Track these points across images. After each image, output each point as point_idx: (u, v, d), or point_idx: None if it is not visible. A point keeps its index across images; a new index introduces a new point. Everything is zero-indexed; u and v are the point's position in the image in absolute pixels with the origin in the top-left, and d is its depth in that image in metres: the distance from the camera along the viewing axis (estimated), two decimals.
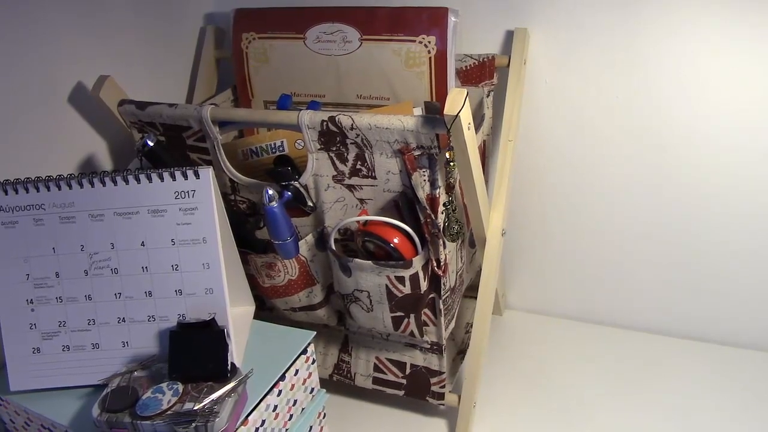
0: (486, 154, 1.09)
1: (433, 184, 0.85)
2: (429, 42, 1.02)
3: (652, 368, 1.19)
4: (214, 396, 0.81)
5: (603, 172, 1.16)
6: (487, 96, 1.06)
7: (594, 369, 1.19)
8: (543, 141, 1.16)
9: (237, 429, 0.82)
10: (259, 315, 1.01)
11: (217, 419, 0.78)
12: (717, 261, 1.17)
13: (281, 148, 1.04)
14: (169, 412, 0.80)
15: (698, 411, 1.10)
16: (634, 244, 1.20)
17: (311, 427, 0.98)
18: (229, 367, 0.84)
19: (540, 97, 1.13)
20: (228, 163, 0.96)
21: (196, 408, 0.79)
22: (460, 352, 1.14)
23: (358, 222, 0.91)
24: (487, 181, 1.13)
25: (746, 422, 1.07)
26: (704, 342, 1.24)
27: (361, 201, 0.91)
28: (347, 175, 0.89)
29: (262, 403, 0.86)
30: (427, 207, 0.85)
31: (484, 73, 1.06)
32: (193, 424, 0.78)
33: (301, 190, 0.91)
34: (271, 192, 0.85)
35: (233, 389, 0.82)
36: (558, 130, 1.15)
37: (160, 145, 0.95)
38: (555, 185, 1.20)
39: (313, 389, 0.99)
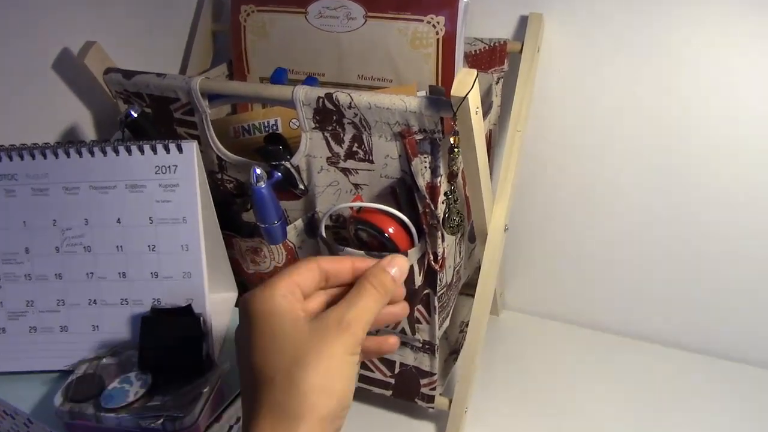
0: (492, 144, 1.03)
1: (434, 172, 0.79)
2: (438, 22, 0.95)
3: (656, 379, 1.13)
4: (186, 390, 0.75)
5: (614, 170, 1.09)
6: (497, 83, 1.00)
7: (593, 377, 1.13)
8: (552, 133, 1.10)
9: (210, 426, 0.76)
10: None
11: (187, 415, 0.72)
12: (729, 275, 1.11)
13: (275, 127, 0.98)
14: (135, 405, 0.74)
15: (696, 423, 1.05)
16: (643, 248, 1.14)
17: None
18: (204, 359, 0.78)
19: (552, 87, 1.06)
20: (216, 140, 0.90)
21: (164, 402, 0.73)
22: (453, 353, 1.08)
23: (351, 208, 0.84)
24: (491, 173, 1.07)
25: None
26: (706, 355, 1.18)
27: (356, 186, 0.85)
28: (342, 158, 0.83)
29: (238, 399, 0.80)
30: (427, 196, 0.79)
31: (494, 59, 1.00)
32: (161, 420, 0.72)
33: (293, 171, 0.85)
34: (259, 171, 0.79)
35: (207, 383, 0.76)
36: (569, 122, 1.08)
37: (146, 116, 0.89)
38: (562, 181, 1.14)
39: None
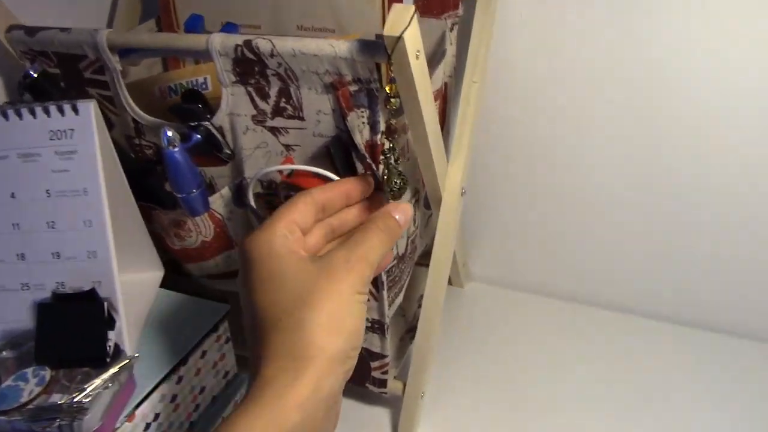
0: (447, 99, 0.93)
1: (373, 128, 0.69)
2: None
3: (632, 352, 1.04)
4: (88, 386, 0.65)
5: (584, 126, 0.99)
6: (451, 30, 0.89)
7: (566, 352, 1.04)
8: (515, 86, 0.99)
9: (119, 426, 0.66)
10: (176, 282, 0.86)
11: (86, 416, 0.62)
12: (707, 243, 1.03)
13: (204, 86, 0.87)
14: (30, 406, 0.64)
15: (673, 395, 0.97)
16: (616, 212, 1.05)
17: (224, 418, 0.82)
18: (109, 350, 0.68)
19: (513, 33, 0.96)
20: (130, 100, 0.79)
21: (62, 402, 0.63)
22: (411, 330, 0.98)
23: (280, 172, 0.74)
24: (448, 131, 0.96)
25: (721, 409, 0.95)
26: (683, 325, 1.10)
27: (287, 147, 0.74)
28: (269, 115, 0.73)
29: (155, 393, 0.71)
30: (367, 155, 0.69)
31: (447, 3, 0.89)
32: (57, 422, 0.61)
33: (215, 132, 0.74)
34: (170, 133, 0.69)
35: (113, 377, 0.66)
36: (533, 73, 0.98)
37: (48, 77, 0.78)
38: (527, 138, 1.03)
39: (227, 373, 0.83)
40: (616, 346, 1.05)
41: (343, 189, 0.62)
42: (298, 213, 0.57)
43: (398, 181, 0.70)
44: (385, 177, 0.68)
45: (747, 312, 1.06)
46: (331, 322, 0.51)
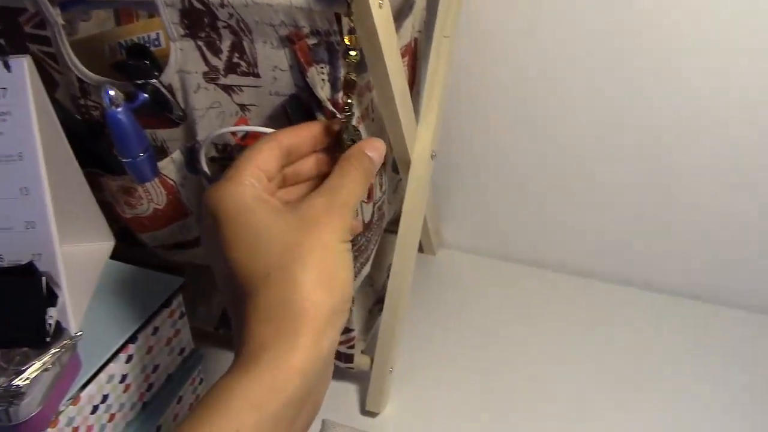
0: (417, 55, 0.87)
1: (334, 85, 0.64)
2: None
3: (609, 321, 1.01)
4: (26, 368, 0.59)
5: (563, 84, 0.94)
6: None
7: (542, 322, 1.00)
8: (490, 40, 0.94)
9: (62, 410, 0.61)
10: (131, 253, 0.80)
11: (24, 401, 0.56)
12: (688, 209, 0.99)
13: (157, 42, 0.81)
14: None
15: (653, 365, 0.94)
16: (595, 176, 1.00)
17: (181, 397, 0.78)
18: (49, 328, 0.63)
19: None
20: (73, 57, 0.72)
21: None
22: (379, 301, 0.93)
23: (234, 134, 0.68)
24: (418, 90, 0.91)
25: (704, 377, 0.92)
26: (660, 293, 1.06)
27: (242, 107, 0.69)
28: (222, 72, 0.67)
29: (102, 374, 0.66)
30: (337, 112, 0.63)
31: None
32: None
33: (164, 91, 0.68)
34: (112, 92, 0.63)
35: (54, 357, 0.61)
36: (509, 26, 0.93)
37: None
38: (502, 97, 0.98)
39: (183, 350, 0.78)
40: (593, 314, 1.02)
41: (310, 133, 0.58)
42: (263, 159, 0.54)
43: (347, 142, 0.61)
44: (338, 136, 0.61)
45: (723, 279, 1.03)
46: (323, 276, 0.48)
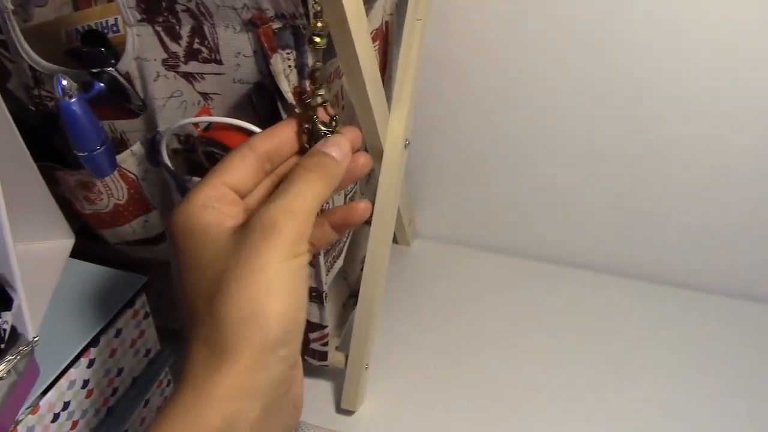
0: (389, 39, 0.84)
1: (302, 72, 0.60)
2: None
3: (587, 308, 0.99)
4: None
5: (538, 70, 0.92)
6: None
7: (519, 312, 0.98)
8: (464, 24, 0.91)
9: (21, 419, 0.58)
10: (92, 249, 0.77)
11: None
12: (662, 196, 0.97)
13: (115, 28, 0.77)
14: None
15: (630, 351, 0.92)
16: (572, 163, 0.98)
17: (148, 400, 0.74)
18: (4, 334, 0.59)
19: None
20: (24, 44, 0.68)
21: None
22: (354, 295, 0.91)
23: (196, 125, 0.65)
24: (390, 75, 0.87)
25: (679, 364, 0.91)
26: (637, 279, 1.05)
27: (205, 96, 0.65)
28: (182, 59, 0.63)
29: (62, 380, 0.62)
30: (296, 104, 0.60)
31: None
32: None
33: (121, 80, 0.65)
34: (65, 82, 0.59)
35: (9, 365, 0.57)
36: (482, 10, 0.90)
37: None
38: (477, 84, 0.95)
39: (149, 351, 0.75)
40: (570, 302, 1.00)
41: (288, 132, 0.51)
42: (230, 172, 0.47)
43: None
44: (307, 133, 0.53)
45: (694, 263, 1.02)
46: (252, 307, 0.42)
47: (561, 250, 1.07)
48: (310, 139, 0.52)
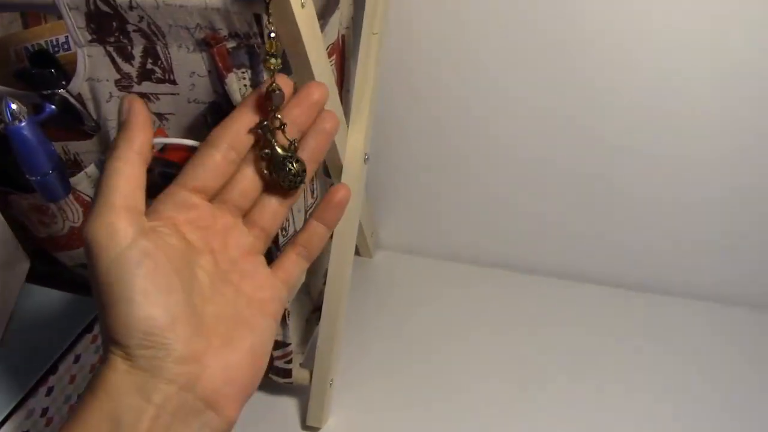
0: (345, 53, 0.83)
1: None
2: None
3: (554, 317, 0.99)
4: None
5: (496, 77, 0.92)
6: None
7: (485, 322, 0.98)
8: (419, 35, 0.91)
9: None
10: (48, 272, 0.75)
11: None
12: (634, 201, 0.98)
13: (66, 46, 0.76)
14: None
15: (597, 360, 0.92)
16: (531, 170, 0.98)
17: None
18: None
19: None
20: None
21: None
22: (317, 310, 0.90)
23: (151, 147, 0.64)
24: (348, 89, 0.87)
25: (650, 371, 0.90)
26: (606, 286, 1.05)
27: (159, 116, 0.64)
28: (135, 79, 0.62)
29: (20, 410, 0.61)
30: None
31: None
32: None
33: (72, 101, 0.63)
34: (14, 106, 0.58)
35: None
36: (440, 21, 0.90)
37: None
38: (434, 95, 0.95)
39: None
40: (537, 311, 1.00)
41: (245, 119, 0.52)
42: (192, 176, 0.50)
43: (292, 167, 0.53)
44: (266, 158, 0.53)
45: (671, 269, 1.02)
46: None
47: (523, 258, 1.07)
48: (270, 164, 0.51)
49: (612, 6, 0.83)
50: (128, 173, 0.47)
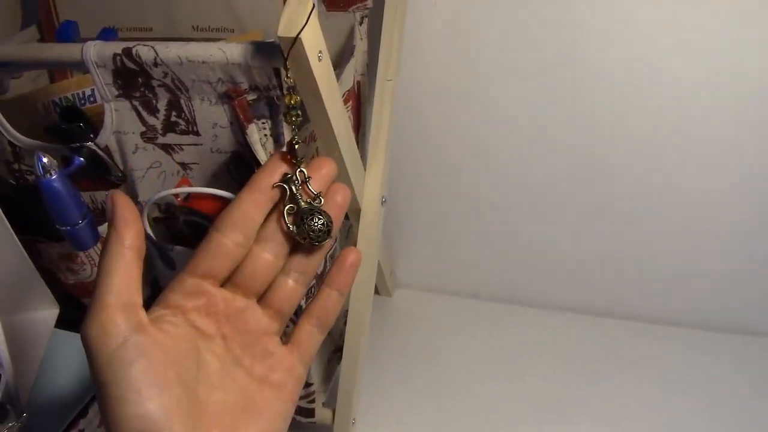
0: (361, 99, 0.86)
1: (278, 140, 0.62)
2: None
3: (574, 352, 0.99)
4: None
5: (507, 122, 0.94)
6: (360, 23, 0.82)
7: (505, 358, 0.99)
8: (433, 81, 0.93)
9: None
10: (77, 317, 0.77)
11: None
12: (644, 234, 0.99)
13: (92, 98, 0.79)
14: None
15: (617, 393, 0.93)
16: (545, 209, 1.00)
17: None
18: None
19: (428, 24, 0.90)
20: (4, 121, 0.70)
21: None
22: (338, 350, 0.91)
23: (176, 195, 0.66)
24: (364, 133, 0.89)
25: (662, 400, 0.90)
26: (621, 320, 1.06)
27: (183, 166, 0.67)
28: (160, 131, 0.65)
29: None
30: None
31: None
32: None
33: (100, 153, 0.66)
34: (45, 160, 0.60)
35: None
36: (452, 67, 0.92)
37: None
38: (448, 138, 0.97)
39: None
40: (558, 346, 1.00)
41: (248, 201, 0.50)
42: (199, 264, 0.48)
43: (318, 220, 0.51)
44: (292, 214, 0.52)
45: (690, 303, 1.03)
46: None
47: (540, 294, 1.08)
48: (295, 220, 0.51)
49: (620, 44, 0.85)
50: (121, 269, 0.46)
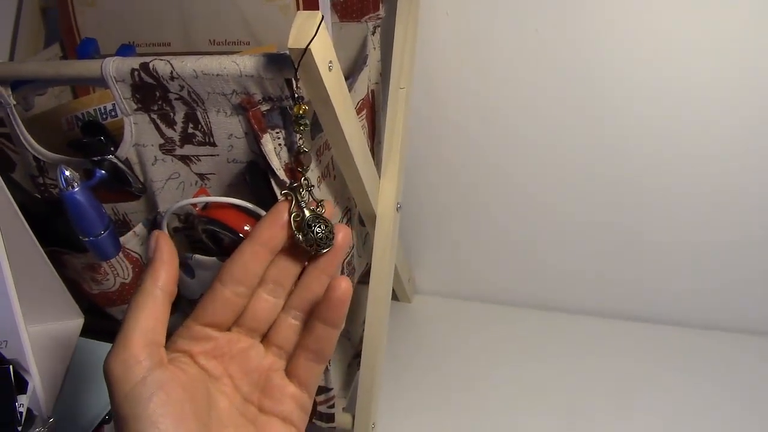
0: (375, 107, 0.87)
1: (291, 149, 0.63)
2: None
3: (594, 355, 1.00)
4: None
5: (521, 127, 0.95)
6: (373, 33, 0.84)
7: (524, 362, 0.99)
8: (446, 89, 0.94)
9: None
10: (101, 325, 0.79)
11: None
12: (657, 238, 1.00)
13: (114, 113, 0.81)
14: None
15: (643, 396, 0.93)
16: (561, 213, 1.00)
17: None
18: (20, 418, 0.61)
19: (440, 33, 0.91)
20: (28, 136, 0.72)
21: None
22: (358, 355, 0.93)
23: (194, 205, 0.68)
24: (379, 141, 0.91)
25: (676, 401, 0.92)
26: (647, 323, 1.06)
27: (201, 176, 0.68)
28: (178, 143, 0.66)
29: None
30: (287, 180, 0.63)
31: (367, 5, 0.84)
32: None
33: (121, 166, 0.68)
34: (68, 173, 0.62)
35: None
36: (465, 74, 0.93)
37: None
38: (463, 144, 0.98)
39: None
40: (577, 349, 1.01)
41: (248, 252, 0.52)
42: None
43: (321, 229, 0.54)
44: (297, 222, 0.54)
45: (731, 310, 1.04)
46: None
47: (558, 297, 1.08)
48: (298, 227, 0.53)
49: (631, 57, 0.86)
50: (150, 308, 0.48)
